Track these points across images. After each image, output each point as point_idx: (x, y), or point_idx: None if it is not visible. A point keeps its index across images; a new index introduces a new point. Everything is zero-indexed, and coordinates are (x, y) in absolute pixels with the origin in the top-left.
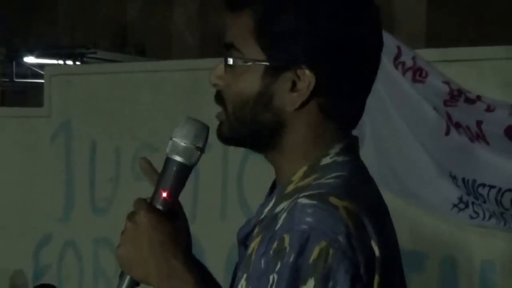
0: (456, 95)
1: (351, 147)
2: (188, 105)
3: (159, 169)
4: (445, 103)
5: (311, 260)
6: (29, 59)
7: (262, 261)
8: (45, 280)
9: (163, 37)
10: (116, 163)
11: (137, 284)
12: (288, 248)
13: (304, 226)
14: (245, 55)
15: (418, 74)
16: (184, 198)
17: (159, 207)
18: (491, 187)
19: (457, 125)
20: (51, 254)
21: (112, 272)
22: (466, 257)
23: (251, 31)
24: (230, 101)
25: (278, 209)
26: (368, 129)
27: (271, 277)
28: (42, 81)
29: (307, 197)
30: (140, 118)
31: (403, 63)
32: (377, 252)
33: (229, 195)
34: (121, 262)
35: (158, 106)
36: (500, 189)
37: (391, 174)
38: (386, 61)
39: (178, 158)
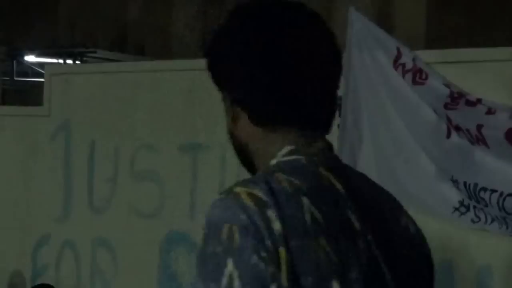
0: (456, 98)
1: (297, 150)
2: (187, 104)
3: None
4: (446, 106)
5: (223, 243)
6: (30, 58)
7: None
8: (43, 280)
9: (163, 37)
10: (115, 163)
11: None
12: (204, 240)
13: (213, 218)
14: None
15: (418, 76)
16: (182, 198)
17: None
18: (493, 191)
19: (457, 128)
20: (50, 254)
21: (110, 272)
22: (464, 262)
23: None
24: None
25: None
26: (366, 132)
27: (197, 270)
28: (43, 80)
29: (219, 194)
30: (139, 118)
31: (403, 65)
32: (278, 226)
33: None
34: None
35: (157, 106)
36: (502, 193)
37: (391, 177)
38: (386, 63)
39: None
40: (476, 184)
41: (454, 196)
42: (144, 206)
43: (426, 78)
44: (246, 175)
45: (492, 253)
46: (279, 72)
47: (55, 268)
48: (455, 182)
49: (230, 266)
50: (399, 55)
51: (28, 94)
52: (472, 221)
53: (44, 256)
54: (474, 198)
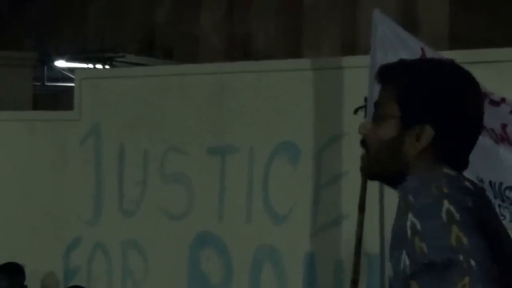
0: None
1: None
2: (215, 107)
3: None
4: None
5: (435, 193)
6: (60, 63)
7: None
8: (75, 282)
9: (191, 41)
10: (144, 166)
11: None
12: (412, 200)
13: (410, 185)
14: (387, 112)
15: None
16: (211, 200)
17: None
18: None
19: None
20: (81, 256)
21: (140, 273)
22: None
23: (394, 97)
24: (371, 145)
25: None
26: None
27: (412, 215)
28: (73, 84)
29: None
30: (167, 121)
31: None
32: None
33: (254, 198)
34: None
35: (185, 109)
36: None
37: None
38: None
39: None
40: (501, 183)
41: None
42: (173, 208)
43: None
44: (274, 178)
45: None
46: (465, 127)
47: (86, 270)
48: (480, 181)
49: (446, 204)
50: (423, 56)
51: (58, 99)
52: None
53: (76, 258)
54: (499, 197)
